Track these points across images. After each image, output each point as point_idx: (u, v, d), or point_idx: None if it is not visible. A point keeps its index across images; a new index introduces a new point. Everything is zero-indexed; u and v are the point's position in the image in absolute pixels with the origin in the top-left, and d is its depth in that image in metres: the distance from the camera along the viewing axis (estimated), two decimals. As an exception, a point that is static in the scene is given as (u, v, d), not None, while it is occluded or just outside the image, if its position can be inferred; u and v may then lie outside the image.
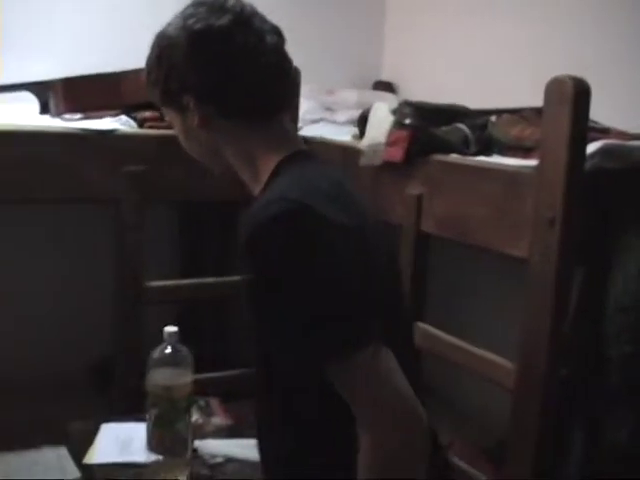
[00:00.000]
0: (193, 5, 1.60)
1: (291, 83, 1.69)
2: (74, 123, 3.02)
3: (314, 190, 1.46)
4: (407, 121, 2.69)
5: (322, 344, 1.38)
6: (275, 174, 1.58)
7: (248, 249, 1.41)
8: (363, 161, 2.77)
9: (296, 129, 1.61)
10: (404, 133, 2.67)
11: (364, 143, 2.80)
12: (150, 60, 1.63)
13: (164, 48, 1.60)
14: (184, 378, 2.11)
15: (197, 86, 1.57)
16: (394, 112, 2.79)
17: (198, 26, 1.55)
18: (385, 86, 4.24)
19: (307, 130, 3.37)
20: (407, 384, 1.38)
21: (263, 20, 1.65)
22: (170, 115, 1.67)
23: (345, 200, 1.51)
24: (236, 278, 3.38)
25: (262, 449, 1.78)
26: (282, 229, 1.38)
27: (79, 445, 2.47)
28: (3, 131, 2.79)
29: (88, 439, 2.48)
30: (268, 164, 1.60)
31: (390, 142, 2.70)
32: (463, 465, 2.53)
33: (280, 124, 1.67)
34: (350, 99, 3.81)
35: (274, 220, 1.39)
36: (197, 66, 1.56)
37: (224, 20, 1.55)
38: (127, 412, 2.73)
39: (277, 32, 1.66)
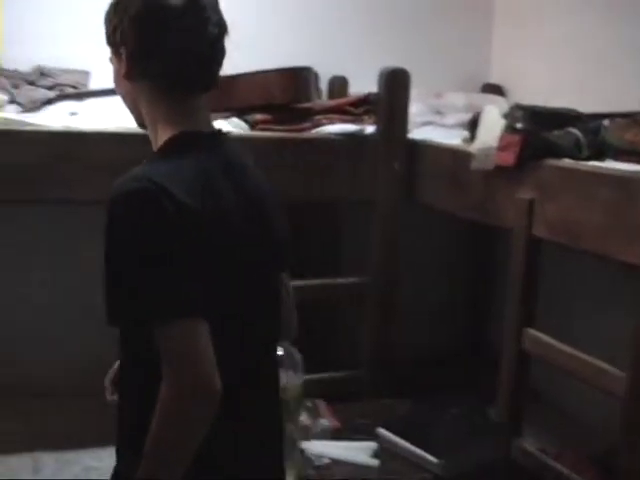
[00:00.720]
0: None
1: (214, 73, 1.78)
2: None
3: (176, 177, 1.61)
4: (519, 125, 2.67)
5: (140, 309, 1.56)
6: (162, 148, 1.73)
7: (106, 212, 1.58)
8: (474, 165, 2.75)
9: (207, 114, 1.80)
10: (516, 137, 2.64)
11: (475, 147, 2.78)
12: (110, 3, 1.77)
13: (122, 0, 1.75)
14: (296, 380, 2.13)
15: (132, 43, 1.71)
16: (505, 116, 2.77)
17: None
18: (493, 89, 4.21)
19: (416, 133, 3.37)
20: (210, 359, 1.55)
21: (214, 12, 1.76)
22: (111, 57, 1.79)
23: (203, 187, 1.64)
24: (341, 280, 3.42)
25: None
26: (131, 206, 1.57)
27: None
28: (116, 133, 2.88)
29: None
30: (165, 133, 1.74)
31: (502, 146, 2.68)
32: (574, 477, 2.50)
33: (191, 103, 1.77)
34: (459, 102, 3.78)
35: (127, 195, 1.57)
36: (137, 29, 1.70)
37: (178, 1, 1.68)
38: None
39: (221, 26, 1.77)
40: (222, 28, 1.78)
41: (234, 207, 1.72)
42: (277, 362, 1.91)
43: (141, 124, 1.83)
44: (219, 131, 1.84)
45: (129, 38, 1.72)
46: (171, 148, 1.72)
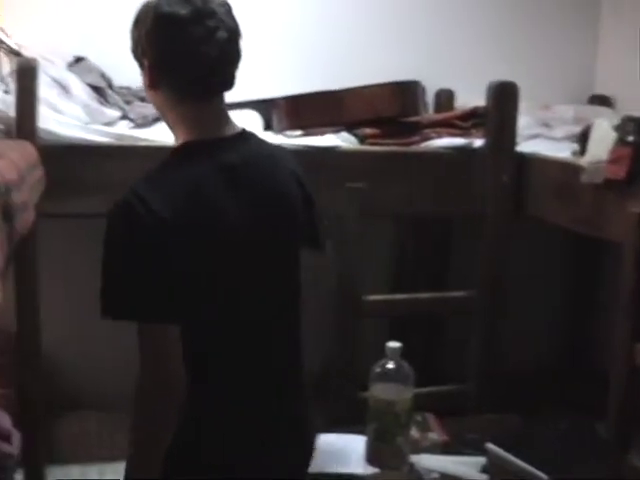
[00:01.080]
0: None
1: (229, 75, 1.90)
2: (296, 140, 3.12)
3: (161, 188, 1.77)
4: (630, 138, 2.63)
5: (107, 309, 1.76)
6: (167, 157, 1.88)
7: None
8: (584, 178, 2.73)
9: (224, 115, 1.92)
10: (627, 150, 2.61)
11: (586, 160, 2.76)
12: (133, 21, 1.95)
13: (140, 17, 1.91)
14: (406, 393, 2.13)
15: (149, 55, 1.87)
16: (616, 128, 2.73)
17: (163, 10, 1.82)
18: (601, 100, 4.15)
19: (524, 146, 3.34)
20: (172, 359, 1.74)
21: (225, 17, 1.86)
22: (140, 69, 1.94)
23: (189, 195, 1.77)
24: (449, 294, 3.41)
25: None
26: (114, 216, 1.78)
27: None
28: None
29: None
30: (179, 139, 1.91)
31: (612, 159, 2.64)
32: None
33: (206, 108, 1.90)
34: (566, 114, 3.74)
35: (115, 206, 1.78)
36: (152, 41, 1.86)
37: (185, 11, 1.80)
38: (341, 422, 2.78)
39: (230, 30, 1.86)
40: (233, 32, 1.88)
41: (228, 210, 1.84)
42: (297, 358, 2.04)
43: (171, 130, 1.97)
44: (240, 133, 1.96)
45: (147, 51, 1.87)
46: (173, 157, 1.87)
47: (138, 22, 1.91)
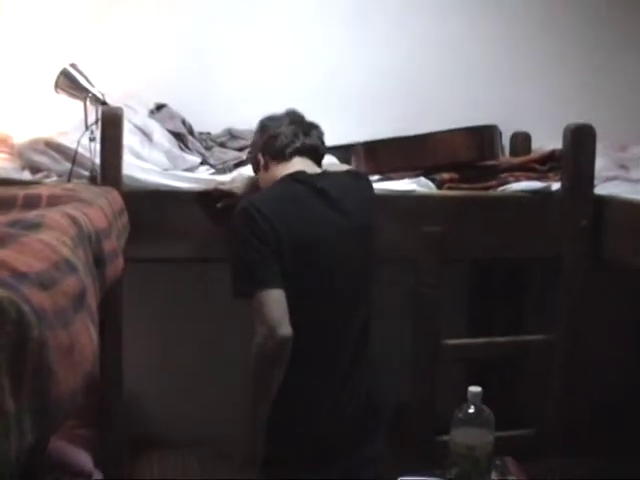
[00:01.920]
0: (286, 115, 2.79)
1: (304, 146, 2.71)
2: (374, 184, 3.14)
3: (267, 200, 2.54)
4: None
5: (236, 287, 2.47)
6: (275, 183, 2.66)
7: None
8: (665, 221, 2.71)
9: (304, 164, 2.71)
10: None
11: (665, 203, 2.74)
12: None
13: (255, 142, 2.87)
14: (487, 438, 2.13)
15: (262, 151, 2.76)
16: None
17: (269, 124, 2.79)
18: (678, 138, 4.11)
19: (601, 188, 3.32)
20: (279, 315, 2.37)
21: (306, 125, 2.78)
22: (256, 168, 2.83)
23: (286, 207, 2.53)
24: (527, 338, 3.40)
25: None
26: (239, 216, 2.49)
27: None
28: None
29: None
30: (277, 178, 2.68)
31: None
32: None
33: (294, 161, 2.69)
34: (643, 155, 3.72)
35: (240, 208, 2.51)
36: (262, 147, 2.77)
37: (283, 125, 2.74)
38: (413, 463, 2.78)
39: (313, 127, 2.78)
40: (312, 126, 2.76)
41: (321, 219, 2.56)
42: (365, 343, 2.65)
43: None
44: (322, 172, 2.72)
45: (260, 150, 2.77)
46: (275, 184, 2.64)
47: (255, 145, 2.85)
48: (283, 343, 2.36)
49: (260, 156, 2.74)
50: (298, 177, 2.62)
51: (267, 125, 2.78)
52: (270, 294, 2.39)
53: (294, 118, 2.76)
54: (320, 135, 2.78)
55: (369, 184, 2.83)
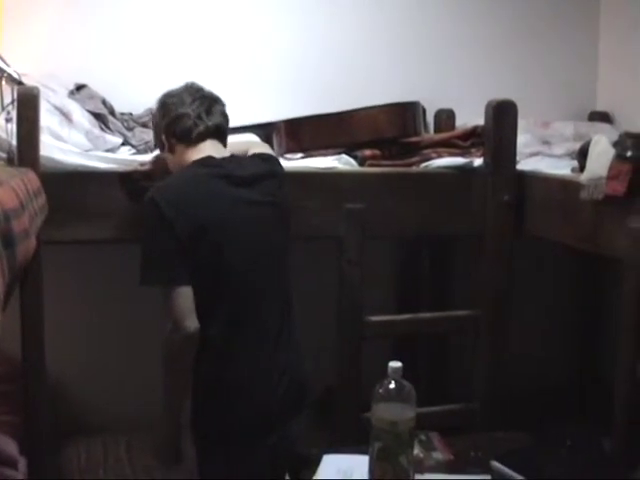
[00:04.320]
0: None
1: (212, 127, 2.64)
2: (296, 162, 3.13)
3: (175, 187, 2.51)
4: (629, 154, 2.63)
5: (143, 276, 2.44)
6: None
7: None
8: (584, 195, 2.74)
9: (212, 148, 2.65)
10: (626, 166, 2.61)
11: (585, 177, 2.76)
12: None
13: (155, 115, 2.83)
14: (408, 413, 2.13)
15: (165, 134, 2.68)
16: (615, 145, 2.74)
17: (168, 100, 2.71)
18: (601, 116, 4.16)
19: (524, 164, 3.36)
20: (184, 310, 2.38)
21: (207, 94, 2.71)
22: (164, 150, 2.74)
23: (195, 195, 2.48)
24: (453, 313, 3.42)
25: None
26: (147, 205, 2.45)
27: (302, 474, 2.52)
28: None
29: (311, 468, 2.52)
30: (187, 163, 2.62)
31: (611, 175, 2.65)
32: None
33: (201, 146, 2.63)
34: (566, 131, 3.76)
35: (147, 198, 2.46)
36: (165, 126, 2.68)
37: (185, 105, 2.65)
38: (345, 442, 2.78)
39: (213, 99, 2.70)
40: (213, 101, 2.67)
41: (225, 200, 2.51)
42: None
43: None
44: (231, 156, 2.65)
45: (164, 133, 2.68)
46: (185, 170, 2.59)
47: (154, 119, 2.82)
48: (189, 337, 2.40)
49: (164, 138, 2.68)
50: (207, 162, 2.58)
51: (167, 103, 2.68)
52: (175, 289, 2.39)
53: (194, 94, 2.67)
54: (222, 110, 2.71)
55: (279, 166, 2.78)
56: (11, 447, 2.93)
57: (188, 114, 2.61)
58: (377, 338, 3.25)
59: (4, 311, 1.37)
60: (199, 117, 2.62)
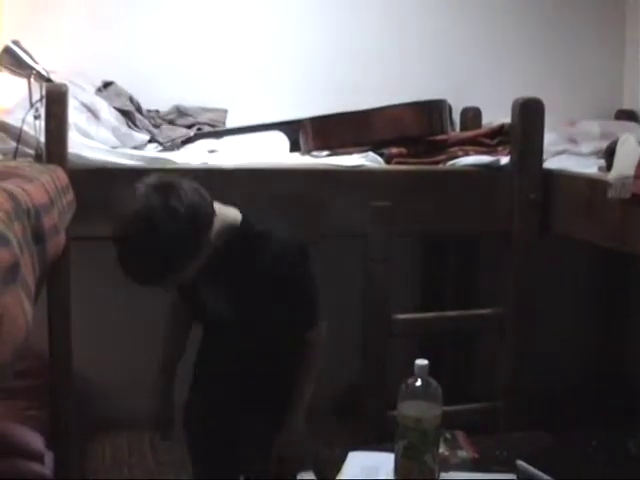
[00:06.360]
0: None
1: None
2: (322, 160, 3.14)
3: None
4: (656, 152, 2.63)
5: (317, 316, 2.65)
6: None
7: None
8: (611, 194, 2.73)
9: None
10: (653, 165, 2.61)
11: (612, 176, 2.75)
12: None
13: None
14: (434, 411, 2.13)
15: None
16: (642, 143, 2.73)
17: None
18: (627, 115, 4.15)
19: (550, 162, 3.34)
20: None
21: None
22: None
23: None
24: (478, 312, 3.41)
25: None
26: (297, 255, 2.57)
27: (327, 472, 2.53)
28: (254, 169, 2.96)
29: (336, 466, 2.52)
30: None
31: (639, 175, 2.64)
32: None
33: None
34: (593, 130, 3.74)
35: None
36: None
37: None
38: (369, 440, 2.78)
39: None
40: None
41: None
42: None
43: None
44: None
45: None
46: None
47: None
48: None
49: None
50: None
51: None
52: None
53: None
54: None
55: None
56: (38, 442, 2.96)
57: None
58: (404, 336, 3.25)
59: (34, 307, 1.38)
60: None
